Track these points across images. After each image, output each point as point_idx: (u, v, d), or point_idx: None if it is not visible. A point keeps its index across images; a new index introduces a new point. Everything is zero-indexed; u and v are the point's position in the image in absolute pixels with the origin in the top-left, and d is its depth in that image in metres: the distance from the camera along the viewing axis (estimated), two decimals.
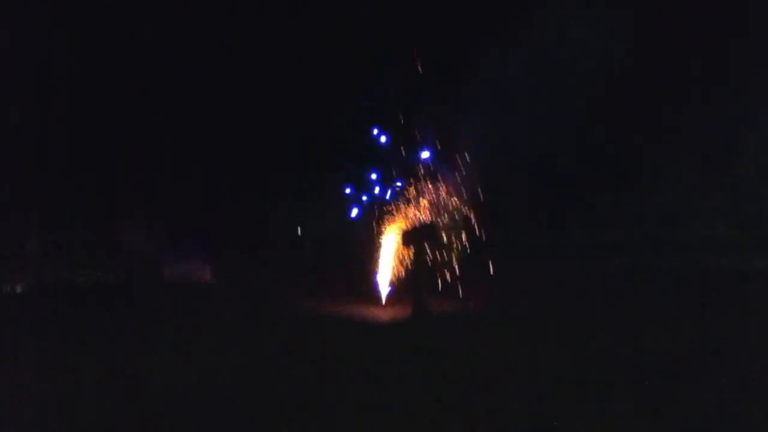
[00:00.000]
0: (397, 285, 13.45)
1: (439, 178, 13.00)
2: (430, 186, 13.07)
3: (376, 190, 13.19)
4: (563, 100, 14.16)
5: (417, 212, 13.14)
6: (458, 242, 12.94)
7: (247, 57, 15.25)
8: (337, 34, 14.81)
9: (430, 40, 13.92)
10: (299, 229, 15.09)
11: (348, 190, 13.41)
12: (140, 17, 15.02)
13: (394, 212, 13.26)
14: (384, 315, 12.53)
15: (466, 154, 12.84)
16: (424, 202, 13.15)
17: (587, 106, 14.47)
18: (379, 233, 13.28)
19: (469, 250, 12.95)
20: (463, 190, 12.87)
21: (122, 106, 15.79)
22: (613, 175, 15.35)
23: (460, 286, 12.85)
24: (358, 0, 15.00)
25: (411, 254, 12.81)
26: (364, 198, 13.32)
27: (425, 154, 13.06)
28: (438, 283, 13.04)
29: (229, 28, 15.12)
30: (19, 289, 14.92)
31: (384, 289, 13.41)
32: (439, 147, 13.10)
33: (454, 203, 12.94)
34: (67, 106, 15.50)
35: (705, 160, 15.52)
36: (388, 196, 13.12)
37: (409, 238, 12.79)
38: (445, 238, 12.84)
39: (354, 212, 13.27)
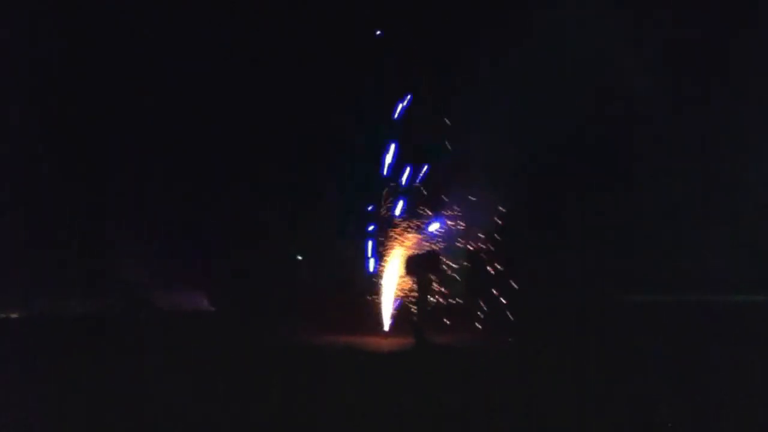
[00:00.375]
0: (400, 313, 13.22)
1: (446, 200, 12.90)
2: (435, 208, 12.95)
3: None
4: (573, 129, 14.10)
5: (421, 237, 12.98)
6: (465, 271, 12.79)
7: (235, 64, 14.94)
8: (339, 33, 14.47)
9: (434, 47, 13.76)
10: (299, 256, 14.81)
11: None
12: (123, 18, 14.71)
13: (399, 235, 13.07)
14: (386, 345, 12.32)
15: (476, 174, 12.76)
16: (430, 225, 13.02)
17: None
18: (383, 258, 13.09)
19: (476, 280, 12.79)
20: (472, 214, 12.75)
21: (114, 128, 15.51)
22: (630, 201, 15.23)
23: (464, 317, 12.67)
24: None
25: (414, 282, 12.66)
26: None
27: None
28: (442, 314, 12.83)
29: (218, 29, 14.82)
30: (9, 318, 14.60)
31: (387, 317, 13.18)
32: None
33: (461, 229, 12.83)
34: (55, 128, 15.20)
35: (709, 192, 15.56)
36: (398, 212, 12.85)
37: (412, 265, 12.61)
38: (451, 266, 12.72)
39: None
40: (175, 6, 14.76)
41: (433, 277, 12.95)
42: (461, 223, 13.20)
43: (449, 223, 13.02)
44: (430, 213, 12.99)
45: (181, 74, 15.00)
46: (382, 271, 13.22)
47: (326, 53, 14.66)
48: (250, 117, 15.38)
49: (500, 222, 13.05)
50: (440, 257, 12.71)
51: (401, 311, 13.25)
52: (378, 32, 13.10)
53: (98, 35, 15.15)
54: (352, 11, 14.40)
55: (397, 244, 13.11)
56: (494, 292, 12.79)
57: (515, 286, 12.81)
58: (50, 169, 15.35)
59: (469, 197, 12.92)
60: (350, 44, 14.45)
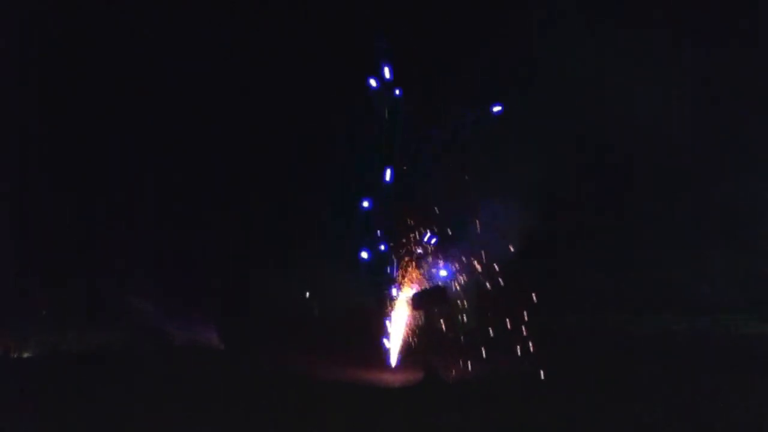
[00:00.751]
0: (408, 348, 13.18)
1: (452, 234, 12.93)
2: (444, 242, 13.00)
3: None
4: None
5: (428, 272, 12.99)
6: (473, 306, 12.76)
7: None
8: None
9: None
10: (307, 292, 14.77)
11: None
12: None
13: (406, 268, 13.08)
14: (394, 380, 12.23)
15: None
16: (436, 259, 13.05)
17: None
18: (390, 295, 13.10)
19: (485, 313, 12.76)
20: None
21: (121, 157, 15.57)
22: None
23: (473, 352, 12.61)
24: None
25: (422, 318, 12.66)
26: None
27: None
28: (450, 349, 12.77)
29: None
30: (17, 354, 14.54)
31: (394, 352, 13.14)
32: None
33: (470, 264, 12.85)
34: (58, 154, 15.24)
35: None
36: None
37: (419, 301, 12.62)
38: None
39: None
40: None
41: (441, 311, 12.94)
42: (469, 253, 13.23)
43: (457, 256, 13.07)
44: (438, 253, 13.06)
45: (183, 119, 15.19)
46: (390, 305, 13.23)
47: (313, 83, 14.79)
48: (258, 148, 15.48)
49: (510, 251, 13.07)
50: (447, 291, 12.72)
51: (409, 346, 13.23)
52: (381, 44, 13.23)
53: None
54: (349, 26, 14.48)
55: (405, 279, 13.14)
56: (505, 323, 12.74)
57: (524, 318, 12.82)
58: (55, 195, 15.35)
59: (478, 227, 12.98)
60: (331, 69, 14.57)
